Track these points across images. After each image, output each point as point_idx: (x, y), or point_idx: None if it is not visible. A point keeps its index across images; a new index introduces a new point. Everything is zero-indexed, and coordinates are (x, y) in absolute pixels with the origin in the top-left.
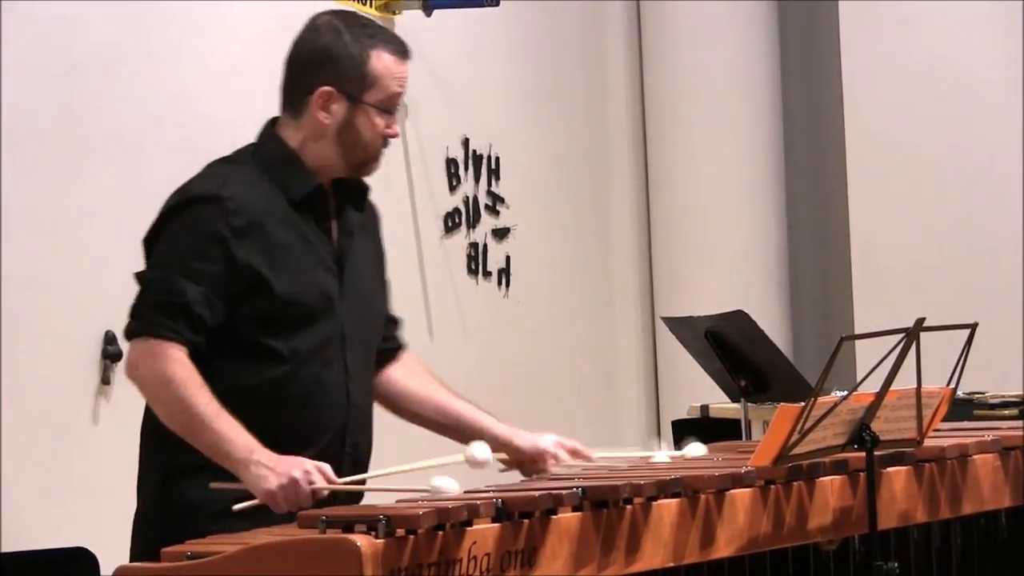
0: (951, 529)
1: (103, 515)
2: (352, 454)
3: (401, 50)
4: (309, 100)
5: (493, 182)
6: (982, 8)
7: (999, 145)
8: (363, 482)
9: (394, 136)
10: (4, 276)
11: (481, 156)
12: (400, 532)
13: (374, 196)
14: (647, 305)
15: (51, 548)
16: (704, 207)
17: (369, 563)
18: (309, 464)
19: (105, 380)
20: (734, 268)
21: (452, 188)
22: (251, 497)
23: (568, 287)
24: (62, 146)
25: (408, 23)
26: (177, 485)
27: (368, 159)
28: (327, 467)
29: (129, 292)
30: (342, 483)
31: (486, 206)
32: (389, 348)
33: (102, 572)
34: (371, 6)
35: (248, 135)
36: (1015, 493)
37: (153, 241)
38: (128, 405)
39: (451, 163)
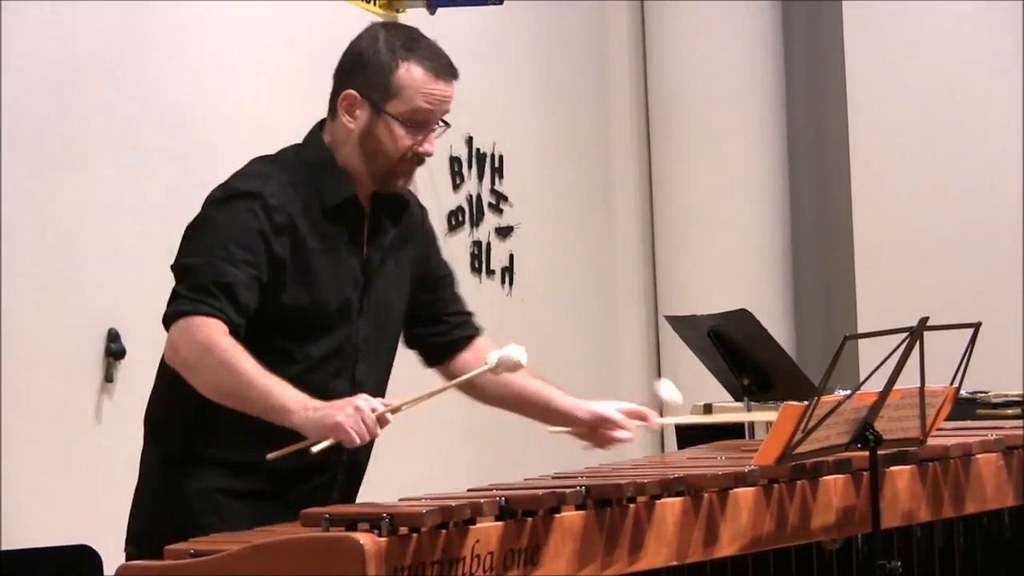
0: (954, 528)
1: (106, 513)
2: (349, 464)
3: (437, 67)
4: (337, 102)
5: (497, 180)
6: (984, 7)
7: (1002, 145)
8: (418, 403)
9: (426, 154)
10: (5, 273)
11: (485, 154)
12: (403, 530)
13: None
14: (650, 304)
15: (54, 546)
16: (707, 206)
17: (372, 561)
18: (365, 395)
19: (108, 378)
20: (737, 267)
21: (456, 186)
22: (308, 454)
23: (571, 286)
24: (63, 143)
25: (412, 21)
26: (177, 473)
27: (391, 172)
28: (372, 399)
29: (132, 290)
30: (400, 403)
31: (489, 204)
32: (465, 336)
33: (105, 570)
34: (376, 4)
35: (246, 131)
36: (1018, 492)
37: (194, 231)
38: (130, 403)
39: (455, 161)
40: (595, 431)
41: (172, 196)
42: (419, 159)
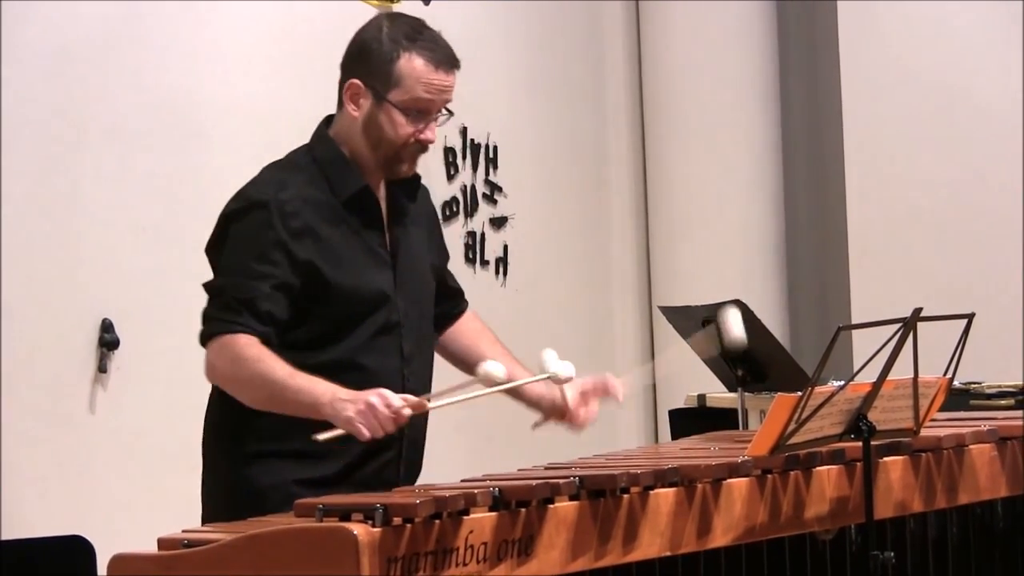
0: (947, 519)
1: (99, 503)
2: (411, 436)
3: (438, 58)
4: (343, 91)
5: (491, 171)
6: (980, 6)
7: (996, 137)
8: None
9: (428, 142)
10: (1, 264)
11: (479, 145)
12: (397, 521)
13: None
14: (645, 294)
15: (47, 536)
16: (702, 197)
17: (366, 552)
18: (388, 392)
19: (101, 368)
20: (732, 258)
21: (450, 177)
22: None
23: (566, 276)
24: (59, 134)
25: (407, 12)
26: (249, 470)
27: (394, 158)
28: (407, 395)
29: (126, 280)
30: (429, 406)
31: (484, 195)
32: (456, 312)
33: (98, 560)
34: None
35: (242, 122)
36: (1011, 483)
37: (215, 248)
38: (125, 394)
39: (449, 152)
40: (559, 414)
41: (167, 187)
42: (421, 146)
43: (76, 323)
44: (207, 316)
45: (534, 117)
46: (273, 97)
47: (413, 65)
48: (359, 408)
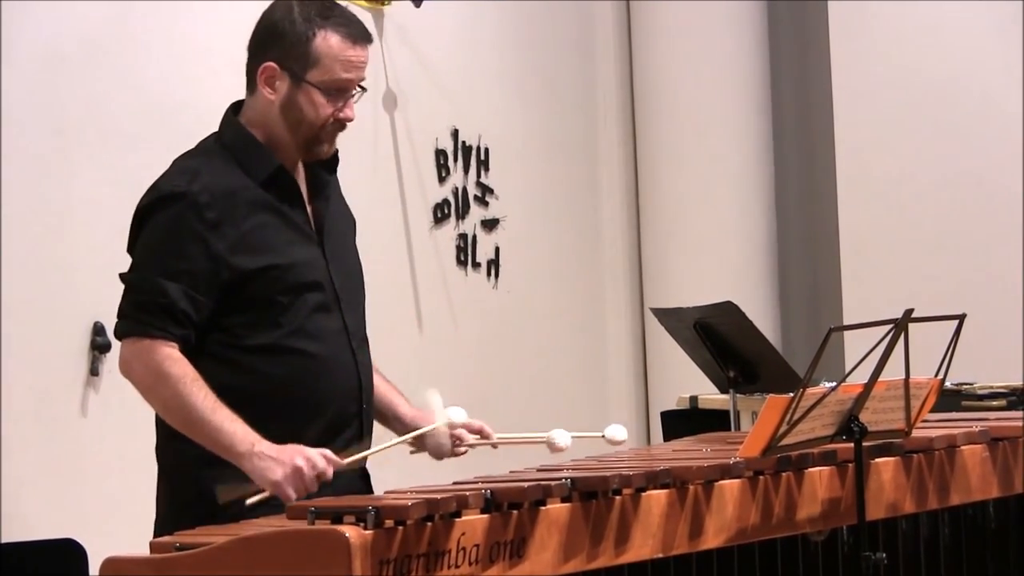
0: (939, 520)
1: (91, 507)
2: (367, 410)
3: (353, 34)
4: (256, 75)
5: (482, 173)
6: (969, 6)
7: (987, 139)
8: (365, 459)
9: (347, 119)
10: None
11: (470, 147)
12: (389, 523)
13: (363, 187)
14: (636, 296)
15: (39, 539)
16: (693, 199)
17: (358, 554)
18: (311, 451)
19: (93, 371)
20: (723, 259)
21: (441, 179)
22: (259, 492)
23: (557, 278)
24: (50, 137)
25: (398, 14)
26: (203, 474)
27: (315, 139)
28: (327, 451)
29: (117, 283)
30: (346, 463)
31: (475, 197)
32: None
33: (90, 564)
34: None
35: None
36: (1003, 484)
37: (133, 243)
38: (116, 396)
39: (440, 154)
40: (436, 445)
41: None
42: (341, 125)
43: (68, 326)
44: (123, 312)
45: (525, 119)
46: None
47: (330, 43)
48: (286, 472)
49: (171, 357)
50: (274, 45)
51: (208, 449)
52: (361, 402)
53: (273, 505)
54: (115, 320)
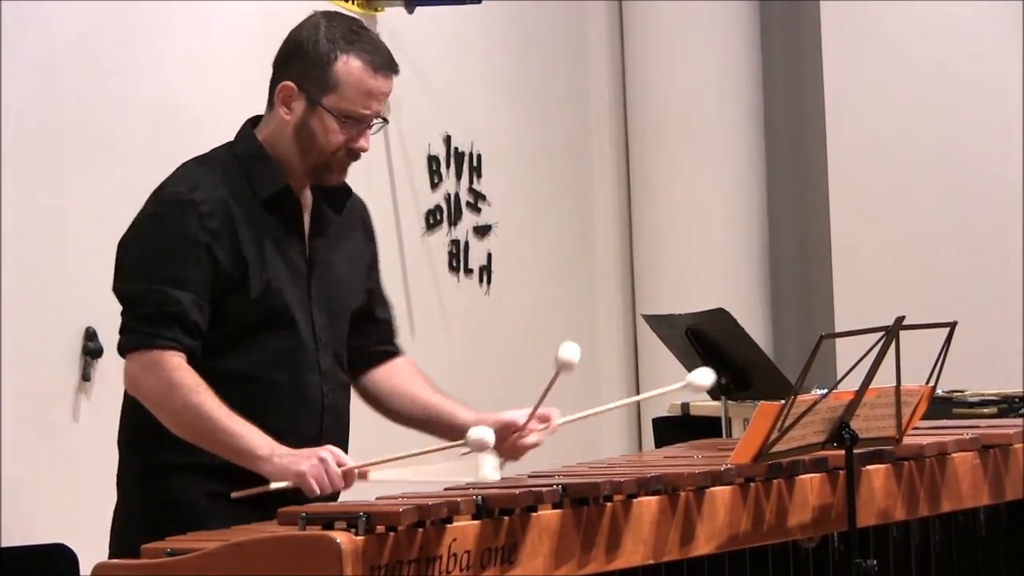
0: (930, 527)
1: (82, 512)
2: (331, 406)
3: (377, 63)
4: (275, 93)
5: (475, 179)
6: (962, 7)
7: (980, 145)
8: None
9: (360, 150)
10: None
11: (463, 153)
12: (380, 529)
13: (355, 193)
14: (628, 303)
15: (30, 545)
16: (686, 205)
17: (349, 560)
18: (335, 448)
19: (85, 377)
20: (715, 266)
21: (434, 185)
22: (274, 494)
23: (549, 284)
24: (42, 142)
25: (390, 20)
26: (159, 483)
27: (324, 166)
28: (341, 453)
29: (109, 288)
30: (369, 464)
31: (468, 203)
32: (384, 352)
33: (81, 569)
34: (354, 3)
35: (230, 132)
36: (993, 491)
37: (129, 246)
38: (109, 402)
39: (433, 160)
40: (505, 441)
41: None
42: (354, 155)
43: (60, 331)
44: (128, 326)
45: (518, 125)
46: (259, 106)
47: (350, 68)
48: (312, 463)
49: (181, 368)
50: (295, 64)
51: (223, 457)
52: (322, 397)
53: (273, 505)
54: (118, 337)
